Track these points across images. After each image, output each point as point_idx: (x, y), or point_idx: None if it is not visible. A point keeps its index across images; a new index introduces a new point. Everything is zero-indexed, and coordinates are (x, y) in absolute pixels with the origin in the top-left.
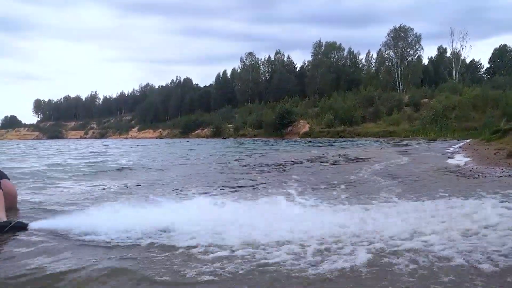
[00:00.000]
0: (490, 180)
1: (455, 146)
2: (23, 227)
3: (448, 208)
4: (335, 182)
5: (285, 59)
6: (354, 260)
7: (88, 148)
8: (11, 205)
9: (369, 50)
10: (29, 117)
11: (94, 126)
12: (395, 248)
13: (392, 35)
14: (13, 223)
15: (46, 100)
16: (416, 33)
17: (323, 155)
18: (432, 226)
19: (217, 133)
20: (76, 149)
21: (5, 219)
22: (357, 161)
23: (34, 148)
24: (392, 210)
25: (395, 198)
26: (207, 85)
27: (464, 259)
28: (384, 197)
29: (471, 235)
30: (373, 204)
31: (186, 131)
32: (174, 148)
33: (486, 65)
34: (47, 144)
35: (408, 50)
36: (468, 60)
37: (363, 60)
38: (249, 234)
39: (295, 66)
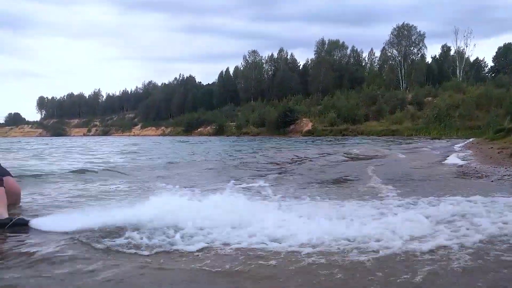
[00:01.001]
0: (493, 179)
1: (458, 145)
2: (24, 224)
3: None
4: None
5: (288, 57)
6: None
7: (112, 147)
8: (15, 203)
9: (372, 48)
10: (32, 115)
11: (97, 123)
12: None
13: (395, 33)
14: (14, 219)
15: (49, 97)
16: (419, 31)
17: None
18: None
19: (219, 131)
20: (112, 145)
21: (6, 216)
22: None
23: (58, 146)
24: None
25: None
26: (209, 83)
27: None
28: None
29: None
30: None
31: (188, 129)
32: (198, 146)
33: (490, 63)
34: (62, 142)
35: (412, 49)
36: (472, 59)
37: (366, 59)
38: None
39: (298, 64)
